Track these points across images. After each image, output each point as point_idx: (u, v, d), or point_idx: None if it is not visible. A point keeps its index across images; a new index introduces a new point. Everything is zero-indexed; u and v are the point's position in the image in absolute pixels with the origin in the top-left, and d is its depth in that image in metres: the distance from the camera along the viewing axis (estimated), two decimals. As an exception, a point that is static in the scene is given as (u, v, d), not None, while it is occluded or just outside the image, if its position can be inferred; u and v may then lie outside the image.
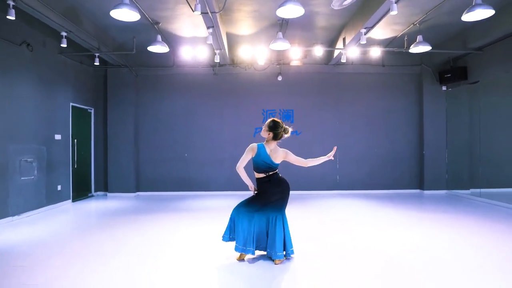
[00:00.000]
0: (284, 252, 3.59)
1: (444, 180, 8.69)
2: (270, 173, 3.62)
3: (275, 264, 3.51)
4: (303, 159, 3.72)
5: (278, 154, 3.61)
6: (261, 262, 3.62)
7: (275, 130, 3.56)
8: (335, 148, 3.76)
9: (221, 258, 3.74)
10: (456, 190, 8.34)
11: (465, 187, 8.09)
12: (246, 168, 3.62)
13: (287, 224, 3.68)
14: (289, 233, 3.67)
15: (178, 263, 3.62)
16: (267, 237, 3.59)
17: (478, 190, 7.55)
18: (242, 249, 3.57)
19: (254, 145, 3.64)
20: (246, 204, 3.65)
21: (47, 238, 4.64)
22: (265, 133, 3.62)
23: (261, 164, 3.61)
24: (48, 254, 3.94)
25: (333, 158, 3.79)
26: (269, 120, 3.66)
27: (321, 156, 3.75)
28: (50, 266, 3.55)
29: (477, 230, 4.92)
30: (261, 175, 3.63)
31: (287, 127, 3.63)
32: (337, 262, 3.63)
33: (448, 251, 3.96)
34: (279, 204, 3.63)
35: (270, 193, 3.60)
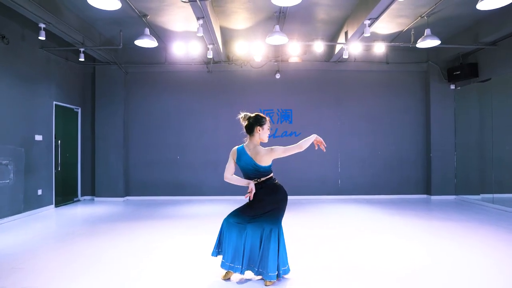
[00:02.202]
0: (277, 272, 3.02)
1: (453, 184, 8.16)
2: (262, 179, 3.09)
3: (265, 286, 2.99)
4: (294, 145, 3.06)
5: (261, 155, 3.03)
6: (251, 282, 3.11)
7: (244, 124, 3.15)
8: (323, 147, 3.17)
9: (208, 275, 3.23)
10: (466, 196, 7.81)
11: (475, 192, 7.56)
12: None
13: (283, 239, 3.12)
14: (284, 249, 3.12)
15: (159, 279, 3.11)
16: (260, 253, 3.01)
17: (489, 195, 7.02)
18: (228, 266, 3.04)
19: (234, 149, 3.18)
20: (237, 214, 3.11)
21: (16, 248, 4.14)
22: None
23: (247, 169, 3.10)
24: (11, 269, 3.43)
25: (317, 142, 3.17)
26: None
27: (311, 136, 3.15)
28: (6, 285, 3.04)
29: (493, 243, 4.37)
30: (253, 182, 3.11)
31: (244, 114, 3.18)
32: (337, 282, 3.11)
33: (458, 268, 3.44)
34: (275, 215, 3.06)
35: (265, 202, 3.05)
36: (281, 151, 3.04)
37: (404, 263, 3.61)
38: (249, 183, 3.07)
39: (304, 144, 3.07)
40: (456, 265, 3.52)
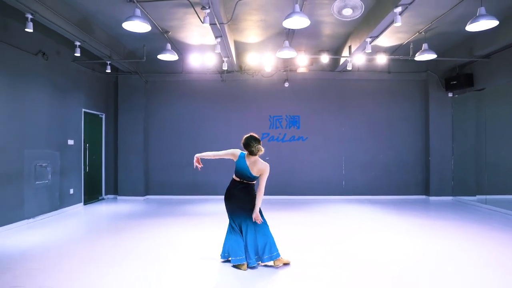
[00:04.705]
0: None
1: (450, 186, 8.70)
2: (246, 181, 3.73)
3: (275, 266, 3.70)
4: (261, 189, 3.65)
5: (258, 168, 3.63)
6: (264, 269, 3.74)
7: (248, 148, 3.63)
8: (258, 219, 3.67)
9: (226, 266, 3.88)
10: (463, 197, 8.35)
11: (472, 194, 8.10)
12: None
13: (266, 227, 3.75)
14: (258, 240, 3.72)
15: (183, 268, 3.76)
16: (256, 242, 3.69)
17: (484, 196, 7.56)
18: (239, 260, 3.66)
19: (237, 152, 3.72)
20: (229, 218, 3.80)
21: (58, 241, 4.83)
22: (243, 147, 3.72)
23: (240, 172, 3.69)
24: (58, 257, 4.11)
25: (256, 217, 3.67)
26: (246, 136, 3.68)
27: (258, 203, 3.66)
28: (58, 270, 3.70)
29: (480, 240, 4.92)
30: (238, 179, 3.75)
31: (259, 146, 3.59)
32: (335, 272, 3.69)
33: (446, 264, 3.92)
34: (248, 209, 3.68)
35: (236, 197, 3.69)
36: (262, 178, 3.67)
37: (397, 258, 4.17)
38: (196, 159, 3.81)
39: (259, 196, 3.65)
40: (446, 259, 4.07)
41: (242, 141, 3.69)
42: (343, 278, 3.46)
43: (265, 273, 3.58)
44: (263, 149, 3.64)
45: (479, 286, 3.27)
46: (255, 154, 3.63)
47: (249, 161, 3.66)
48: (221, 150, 3.84)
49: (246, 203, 3.69)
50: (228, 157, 3.78)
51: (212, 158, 3.83)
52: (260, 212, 3.75)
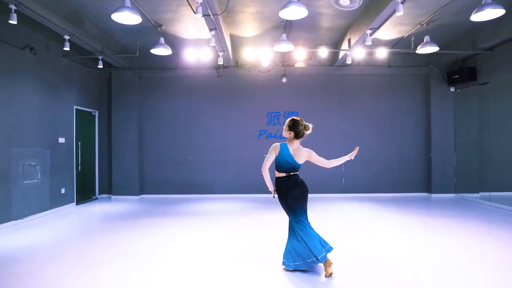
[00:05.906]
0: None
1: (453, 183, 8.50)
2: (291, 173, 3.54)
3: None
4: (326, 160, 3.62)
5: (301, 154, 3.53)
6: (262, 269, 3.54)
7: (296, 128, 3.49)
8: (357, 148, 3.70)
9: (223, 265, 3.67)
10: (465, 194, 8.15)
11: (474, 191, 7.90)
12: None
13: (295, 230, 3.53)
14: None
15: (178, 270, 3.55)
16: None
17: (487, 193, 7.36)
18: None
19: (277, 145, 3.54)
20: (299, 214, 3.53)
21: (48, 243, 4.62)
22: (286, 133, 3.57)
23: (284, 163, 3.50)
24: (48, 260, 3.91)
25: (353, 158, 3.70)
26: (288, 119, 3.58)
27: (342, 156, 3.66)
28: (48, 273, 3.50)
29: (483, 238, 4.73)
30: (282, 175, 3.53)
31: (307, 124, 3.53)
32: (335, 271, 3.50)
33: (448, 262, 3.77)
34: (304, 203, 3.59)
35: (291, 195, 3.50)
36: (315, 158, 3.58)
37: (402, 256, 4.00)
38: (271, 188, 3.56)
39: (333, 162, 3.61)
40: (448, 258, 3.90)
41: (288, 123, 3.53)
42: (343, 277, 3.29)
43: (262, 271, 3.38)
44: (311, 126, 3.53)
45: (481, 284, 3.12)
46: (302, 135, 3.51)
47: (292, 148, 3.53)
48: (265, 158, 3.53)
49: (307, 194, 3.57)
50: (273, 157, 3.51)
51: (268, 176, 3.54)
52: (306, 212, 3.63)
